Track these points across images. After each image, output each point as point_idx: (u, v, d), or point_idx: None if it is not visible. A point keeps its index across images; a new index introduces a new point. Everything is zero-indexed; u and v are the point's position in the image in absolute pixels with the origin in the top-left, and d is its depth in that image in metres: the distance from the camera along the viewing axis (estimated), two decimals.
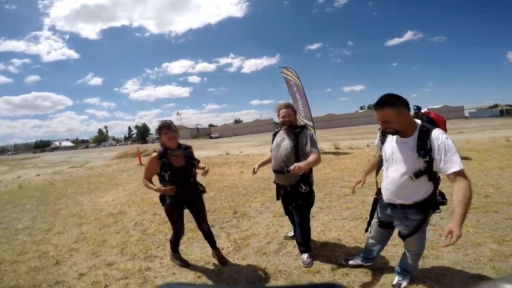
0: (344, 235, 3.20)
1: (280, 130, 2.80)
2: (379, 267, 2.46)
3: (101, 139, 77.47)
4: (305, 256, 2.70)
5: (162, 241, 3.56)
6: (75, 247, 3.65)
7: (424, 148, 1.67)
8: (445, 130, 7.40)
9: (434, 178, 1.75)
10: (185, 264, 2.86)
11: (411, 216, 1.86)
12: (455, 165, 1.60)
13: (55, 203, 6.28)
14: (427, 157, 1.66)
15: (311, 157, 2.45)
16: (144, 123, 71.54)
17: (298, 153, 2.54)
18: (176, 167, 2.52)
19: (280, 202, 3.03)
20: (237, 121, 69.60)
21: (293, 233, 3.18)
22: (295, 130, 2.60)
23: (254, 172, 2.92)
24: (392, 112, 1.69)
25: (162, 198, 2.63)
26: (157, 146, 2.89)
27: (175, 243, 2.89)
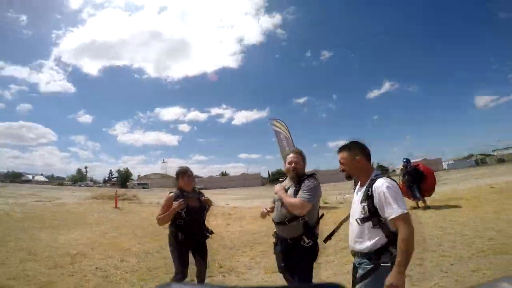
0: None
1: (285, 179, 2.58)
2: None
3: (78, 178, 73.28)
4: None
5: None
6: (9, 284, 2.98)
7: (367, 195, 1.77)
8: (434, 180, 7.69)
9: (382, 227, 1.73)
10: None
11: (364, 265, 1.79)
12: (393, 212, 1.65)
13: (3, 233, 5.37)
14: (366, 202, 1.75)
15: (293, 199, 2.26)
16: (127, 168, 69.23)
17: None
18: (191, 207, 2.64)
19: (274, 256, 2.62)
20: (223, 174, 68.44)
21: None
22: (302, 178, 2.37)
23: (264, 216, 2.65)
24: (346, 155, 1.89)
25: (174, 236, 2.62)
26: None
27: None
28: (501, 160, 50.21)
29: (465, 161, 56.83)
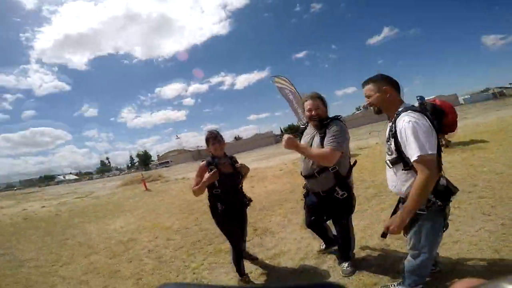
0: (390, 240, 2.76)
1: (306, 126, 2.36)
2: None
3: (104, 170, 77.55)
4: (345, 264, 2.36)
5: (181, 268, 3.17)
6: (85, 279, 3.32)
7: (391, 132, 1.60)
8: (455, 115, 6.95)
9: (414, 169, 1.53)
10: None
11: None
12: (412, 153, 1.46)
13: (62, 233, 5.91)
14: (392, 140, 1.58)
15: (319, 150, 2.03)
16: (145, 151, 72.04)
17: None
18: (225, 173, 2.51)
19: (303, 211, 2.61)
20: (237, 138, 69.45)
21: (325, 245, 2.79)
22: (325, 123, 2.14)
23: None
24: (372, 87, 1.71)
25: (214, 208, 2.53)
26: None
27: (238, 262, 2.57)
28: None
29: (482, 94, 53.94)
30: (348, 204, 2.22)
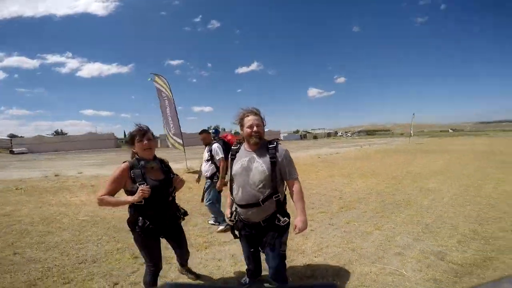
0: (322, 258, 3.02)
1: (239, 147, 2.17)
2: None
3: None
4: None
5: None
6: None
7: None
8: None
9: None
10: None
11: None
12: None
13: None
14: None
15: (297, 195, 2.03)
16: None
17: (275, 176, 1.98)
18: (153, 181, 2.03)
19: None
20: (58, 133, 54.02)
21: (248, 279, 2.44)
22: (270, 145, 2.04)
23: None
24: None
25: (133, 222, 2.03)
26: None
27: (153, 280, 2.14)
28: (315, 137, 72.24)
29: (294, 135, 77.53)
30: (287, 231, 2.12)
